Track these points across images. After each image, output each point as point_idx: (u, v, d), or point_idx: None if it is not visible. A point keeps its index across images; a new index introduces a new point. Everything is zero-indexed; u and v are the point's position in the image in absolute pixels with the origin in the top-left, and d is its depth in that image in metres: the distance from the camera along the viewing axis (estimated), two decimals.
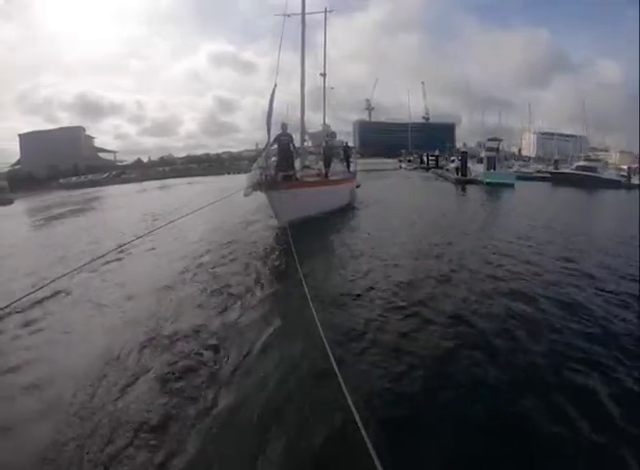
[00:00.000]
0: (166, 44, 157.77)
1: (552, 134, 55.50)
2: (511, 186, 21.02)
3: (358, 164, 50.16)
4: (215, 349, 3.20)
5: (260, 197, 8.03)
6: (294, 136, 10.82)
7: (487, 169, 23.09)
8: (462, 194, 18.72)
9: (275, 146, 8.64)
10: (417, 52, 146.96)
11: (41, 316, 4.10)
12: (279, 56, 9.94)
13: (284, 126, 8.96)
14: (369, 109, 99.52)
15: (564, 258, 6.13)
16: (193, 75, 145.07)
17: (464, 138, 72.51)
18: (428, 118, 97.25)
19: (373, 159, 64.50)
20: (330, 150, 11.87)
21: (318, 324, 2.78)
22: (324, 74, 13.68)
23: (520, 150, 69.30)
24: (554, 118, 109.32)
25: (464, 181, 22.22)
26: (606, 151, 67.33)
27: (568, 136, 56.45)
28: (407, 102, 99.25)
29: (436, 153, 37.53)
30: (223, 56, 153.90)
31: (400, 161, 50.67)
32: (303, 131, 11.34)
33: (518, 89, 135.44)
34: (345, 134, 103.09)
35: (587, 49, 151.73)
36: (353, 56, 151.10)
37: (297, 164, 10.48)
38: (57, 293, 4.66)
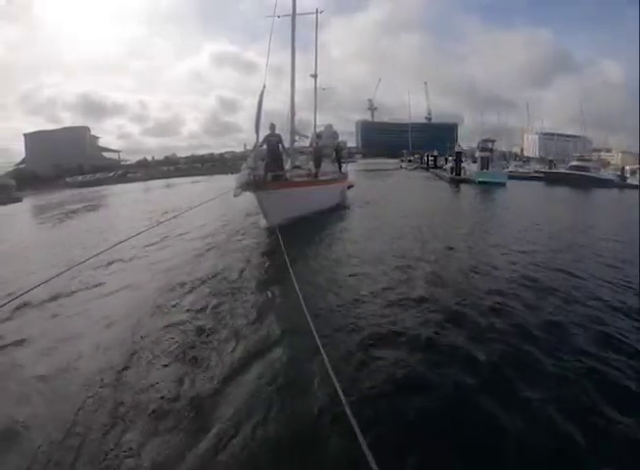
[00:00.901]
0: (169, 44, 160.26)
1: (552, 135, 56.24)
2: (502, 185, 22.20)
3: (360, 163, 50.78)
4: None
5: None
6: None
7: (481, 169, 24.27)
8: (454, 192, 19.89)
9: (264, 146, 8.80)
10: (420, 52, 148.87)
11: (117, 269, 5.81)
12: (268, 57, 10.08)
13: (272, 127, 9.02)
14: (371, 109, 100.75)
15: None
16: (195, 76, 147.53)
17: (467, 138, 73.14)
18: (430, 119, 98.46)
19: (376, 159, 65.67)
20: (320, 150, 12.03)
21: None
22: (315, 75, 13.78)
23: (522, 150, 70.12)
24: (558, 119, 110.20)
25: (458, 180, 23.48)
26: (608, 151, 68.22)
27: (568, 136, 57.31)
28: (410, 102, 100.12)
29: (435, 153, 38.89)
30: (225, 56, 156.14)
31: (403, 161, 51.88)
32: (293, 131, 11.40)
33: (521, 89, 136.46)
34: (348, 134, 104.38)
35: (590, 49, 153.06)
36: (356, 56, 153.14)
37: (289, 164, 10.66)
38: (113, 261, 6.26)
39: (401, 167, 43.90)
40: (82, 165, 62.68)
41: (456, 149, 25.45)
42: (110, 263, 6.13)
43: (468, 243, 7.33)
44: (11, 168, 63.82)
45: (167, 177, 46.63)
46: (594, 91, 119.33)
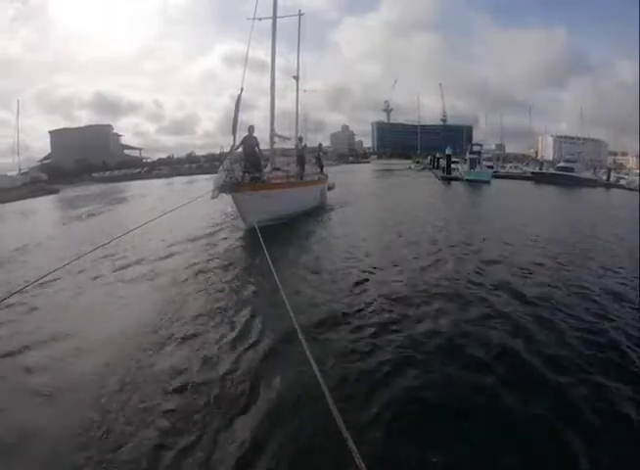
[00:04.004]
0: (181, 45, 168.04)
1: (569, 137, 59.26)
2: (487, 182, 26.60)
3: (373, 164, 55.75)
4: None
5: None
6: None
7: (470, 169, 28.83)
8: (443, 187, 24.42)
9: (241, 148, 9.25)
10: (434, 52, 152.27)
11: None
12: (246, 59, 10.60)
13: (250, 129, 9.43)
14: (387, 110, 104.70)
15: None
16: (209, 75, 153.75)
17: (482, 139, 76.67)
18: (445, 120, 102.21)
19: (390, 159, 70.17)
20: (303, 152, 12.58)
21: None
22: (297, 77, 14.16)
23: (537, 152, 73.30)
24: (575, 120, 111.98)
25: (448, 178, 28.24)
26: (624, 154, 70.76)
27: (583, 139, 59.89)
28: (425, 103, 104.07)
29: (437, 155, 43.42)
30: (238, 56, 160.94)
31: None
32: (272, 133, 11.94)
33: (536, 90, 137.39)
34: (364, 135, 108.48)
35: (606, 50, 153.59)
36: (372, 56, 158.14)
37: (269, 166, 11.70)
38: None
39: (410, 168, 48.66)
40: (106, 162, 68.99)
41: (446, 152, 30.07)
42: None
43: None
44: (35, 164, 70.11)
45: (190, 174, 52.41)
46: (610, 93, 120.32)
